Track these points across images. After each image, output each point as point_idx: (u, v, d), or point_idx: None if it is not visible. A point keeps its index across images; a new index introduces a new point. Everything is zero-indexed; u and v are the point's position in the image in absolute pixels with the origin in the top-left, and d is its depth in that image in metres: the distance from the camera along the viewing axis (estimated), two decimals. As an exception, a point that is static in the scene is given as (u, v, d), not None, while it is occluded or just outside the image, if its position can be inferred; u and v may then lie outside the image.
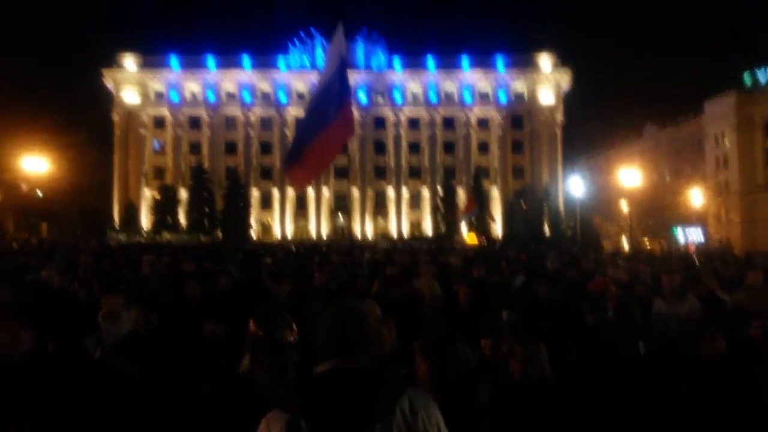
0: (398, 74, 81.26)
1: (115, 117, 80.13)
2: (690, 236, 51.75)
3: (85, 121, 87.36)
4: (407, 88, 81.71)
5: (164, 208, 69.21)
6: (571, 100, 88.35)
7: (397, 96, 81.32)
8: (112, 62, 79.88)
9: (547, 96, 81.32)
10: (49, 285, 7.94)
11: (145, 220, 73.10)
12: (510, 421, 3.47)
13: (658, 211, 64.93)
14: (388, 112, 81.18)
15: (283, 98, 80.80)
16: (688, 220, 60.83)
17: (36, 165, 50.02)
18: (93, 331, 4.92)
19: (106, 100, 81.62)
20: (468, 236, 56.92)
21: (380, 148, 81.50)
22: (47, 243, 28.44)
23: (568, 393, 3.93)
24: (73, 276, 8.49)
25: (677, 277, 7.46)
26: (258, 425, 2.30)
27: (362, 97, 79.08)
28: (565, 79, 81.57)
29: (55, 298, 6.85)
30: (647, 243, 54.17)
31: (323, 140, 9.12)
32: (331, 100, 9.65)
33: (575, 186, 51.29)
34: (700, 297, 7.38)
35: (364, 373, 2.27)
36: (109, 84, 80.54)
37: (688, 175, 71.86)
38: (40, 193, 54.96)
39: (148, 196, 76.95)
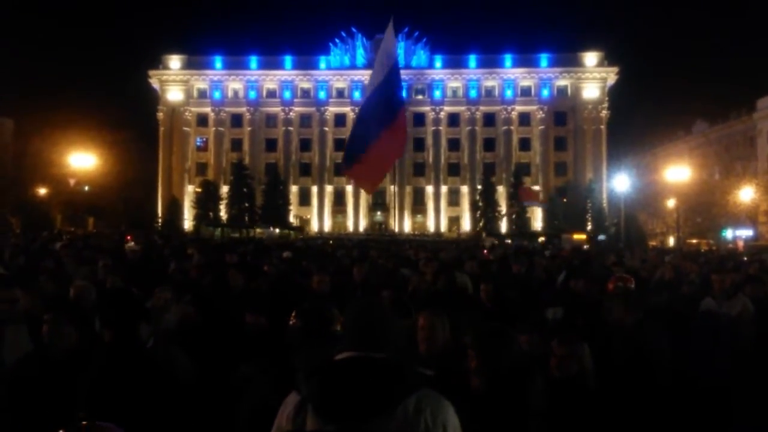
0: (439, 72, 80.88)
1: (160, 115, 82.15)
2: (739, 235, 50.18)
3: (131, 120, 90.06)
4: (447, 85, 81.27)
5: (205, 203, 70.60)
6: (617, 97, 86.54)
7: (437, 93, 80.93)
8: (158, 64, 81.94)
9: (591, 92, 79.73)
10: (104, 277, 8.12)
11: (188, 215, 74.70)
12: (550, 418, 3.42)
13: (707, 209, 62.96)
14: (427, 109, 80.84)
15: (322, 95, 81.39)
16: (737, 218, 58.88)
17: (84, 161, 51.63)
18: (146, 321, 5.03)
19: (151, 99, 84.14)
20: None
21: (419, 144, 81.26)
22: (95, 236, 29.33)
23: (608, 392, 3.89)
24: (121, 268, 8.69)
25: (728, 277, 7.17)
26: None
27: (401, 94, 78.84)
28: (610, 75, 79.84)
29: (110, 289, 7.03)
30: (693, 241, 52.61)
31: (386, 141, 9.20)
32: (386, 101, 9.67)
33: (620, 182, 50.07)
34: (752, 297, 7.07)
35: (376, 364, 2.28)
36: (154, 84, 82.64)
37: (738, 173, 69.41)
38: (86, 188, 56.63)
39: (190, 191, 78.62)
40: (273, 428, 2.36)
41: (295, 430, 2.25)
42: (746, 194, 59.43)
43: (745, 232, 55.45)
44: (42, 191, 60.49)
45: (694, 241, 53.65)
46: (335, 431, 2.15)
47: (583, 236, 51.79)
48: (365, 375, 2.23)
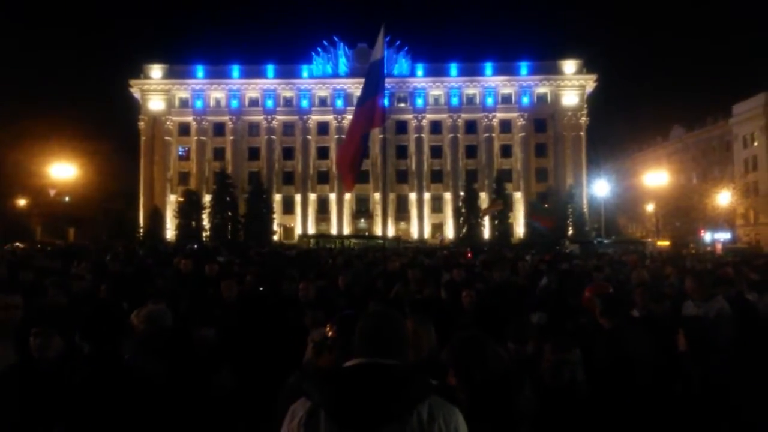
0: (420, 80, 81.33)
1: (141, 125, 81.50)
2: (717, 237, 50.98)
3: (112, 130, 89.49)
4: (429, 93, 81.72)
5: (188, 212, 70.04)
6: (595, 104, 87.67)
7: (419, 101, 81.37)
8: (140, 73, 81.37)
9: (570, 99, 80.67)
10: (84, 289, 8.06)
11: (170, 225, 74.09)
12: (540, 426, 3.37)
13: (685, 213, 63.95)
14: (409, 117, 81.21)
15: (305, 104, 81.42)
16: (715, 221, 59.86)
17: (64, 171, 51.09)
18: (127, 333, 4.98)
19: (132, 109, 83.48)
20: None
21: (402, 152, 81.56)
22: (74, 247, 28.94)
23: (597, 398, 3.85)
24: (101, 279, 8.63)
25: (705, 279, 7.30)
26: None
27: (384, 102, 79.07)
28: (589, 83, 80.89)
29: (89, 302, 6.97)
30: (671, 245, 53.45)
31: (353, 126, 9.78)
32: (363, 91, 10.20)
33: (600, 188, 50.62)
34: (727, 298, 7.22)
35: (388, 371, 2.31)
36: (135, 94, 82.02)
37: (715, 178, 70.61)
38: (67, 199, 55.99)
39: (172, 201, 77.97)
40: None
41: None
42: (723, 198, 60.47)
43: (723, 235, 56.39)
44: (21, 202, 59.72)
45: (670, 243, 54.46)
46: None
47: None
48: (381, 381, 2.26)
